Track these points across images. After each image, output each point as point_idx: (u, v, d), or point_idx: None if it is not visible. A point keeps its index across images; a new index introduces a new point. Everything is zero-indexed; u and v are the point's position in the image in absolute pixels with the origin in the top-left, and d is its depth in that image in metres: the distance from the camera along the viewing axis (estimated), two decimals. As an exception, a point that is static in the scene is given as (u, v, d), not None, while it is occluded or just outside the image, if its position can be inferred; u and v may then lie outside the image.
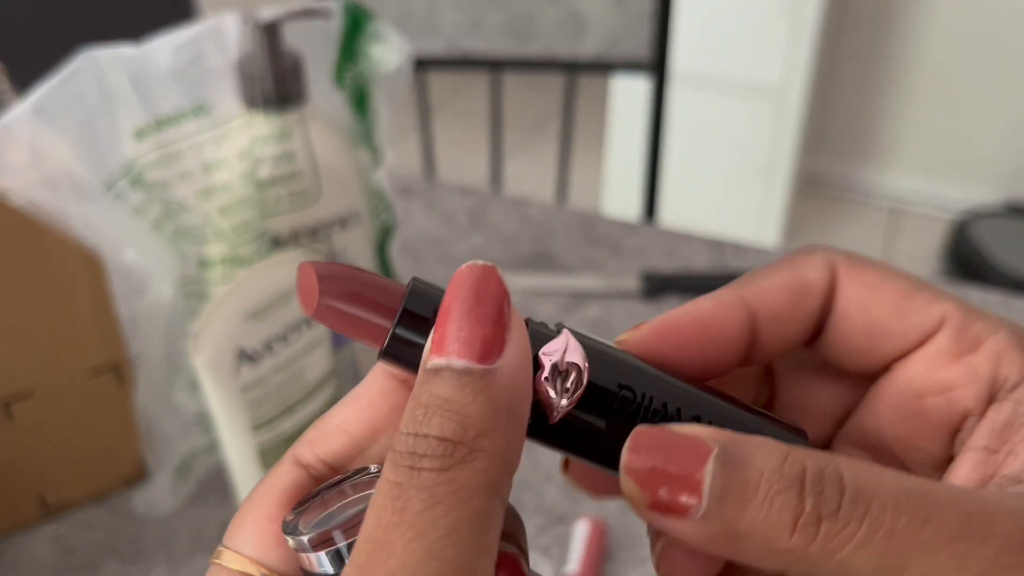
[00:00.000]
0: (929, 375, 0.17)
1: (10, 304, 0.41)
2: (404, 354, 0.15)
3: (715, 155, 1.79)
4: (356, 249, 0.46)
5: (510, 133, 2.24)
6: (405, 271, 0.64)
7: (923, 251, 1.90)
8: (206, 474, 0.47)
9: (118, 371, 0.45)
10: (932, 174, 2.01)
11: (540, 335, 0.16)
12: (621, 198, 1.89)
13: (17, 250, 0.41)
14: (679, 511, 0.14)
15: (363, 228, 0.46)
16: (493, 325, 0.14)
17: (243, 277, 0.39)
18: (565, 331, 0.16)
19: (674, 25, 0.90)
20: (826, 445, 0.19)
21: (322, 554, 0.15)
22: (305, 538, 0.15)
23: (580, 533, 0.45)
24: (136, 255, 0.41)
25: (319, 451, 0.17)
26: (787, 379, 0.19)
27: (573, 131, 1.00)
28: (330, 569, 0.15)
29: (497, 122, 0.99)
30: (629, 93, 1.76)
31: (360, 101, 0.46)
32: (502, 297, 0.15)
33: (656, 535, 0.17)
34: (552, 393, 0.15)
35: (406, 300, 0.15)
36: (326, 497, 0.16)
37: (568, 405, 0.16)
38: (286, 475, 0.17)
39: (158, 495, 0.46)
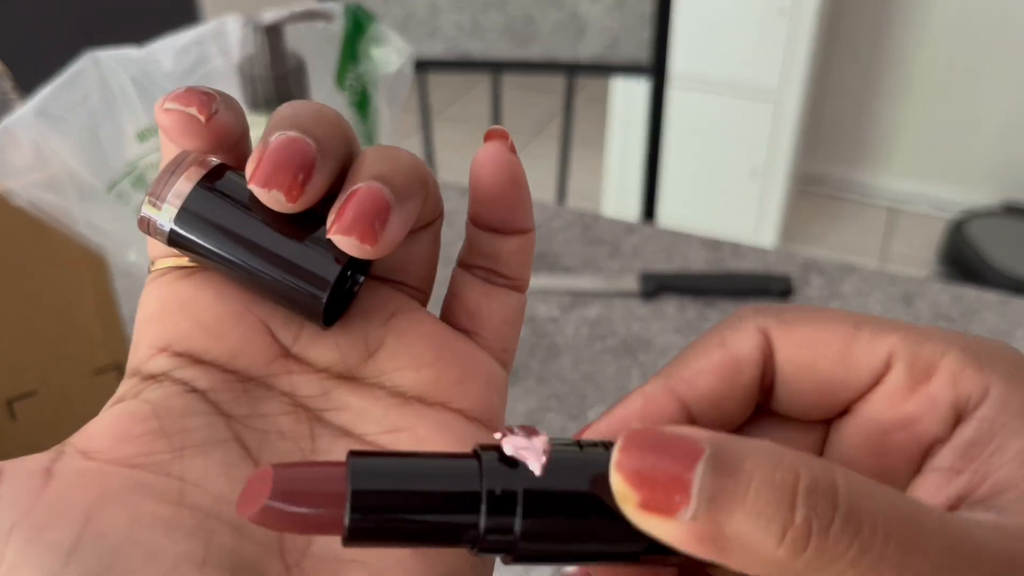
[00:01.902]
0: (890, 412, 0.16)
1: (14, 304, 0.42)
2: (367, 535, 0.15)
3: (713, 156, 1.80)
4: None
5: (510, 134, 2.25)
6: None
7: (920, 252, 1.91)
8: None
9: (121, 370, 0.46)
10: (928, 176, 2.02)
11: (495, 467, 0.15)
12: (620, 199, 1.89)
13: (21, 250, 0.41)
14: (668, 511, 0.13)
15: (364, 228, 0.47)
16: None
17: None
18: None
19: (673, 28, 0.90)
20: None
21: (151, 210, 0.17)
22: (144, 198, 0.18)
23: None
24: (139, 255, 0.41)
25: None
26: (750, 430, 0.19)
27: (573, 132, 1.00)
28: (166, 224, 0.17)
29: (497, 124, 0.99)
30: (629, 95, 1.76)
31: (362, 102, 0.46)
32: None
33: None
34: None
35: (352, 479, 0.15)
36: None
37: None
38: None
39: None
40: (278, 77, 0.41)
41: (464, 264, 0.20)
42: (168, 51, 0.40)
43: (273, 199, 0.16)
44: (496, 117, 0.99)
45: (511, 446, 0.15)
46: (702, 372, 0.17)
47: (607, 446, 0.16)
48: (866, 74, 1.97)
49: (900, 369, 0.16)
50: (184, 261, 0.18)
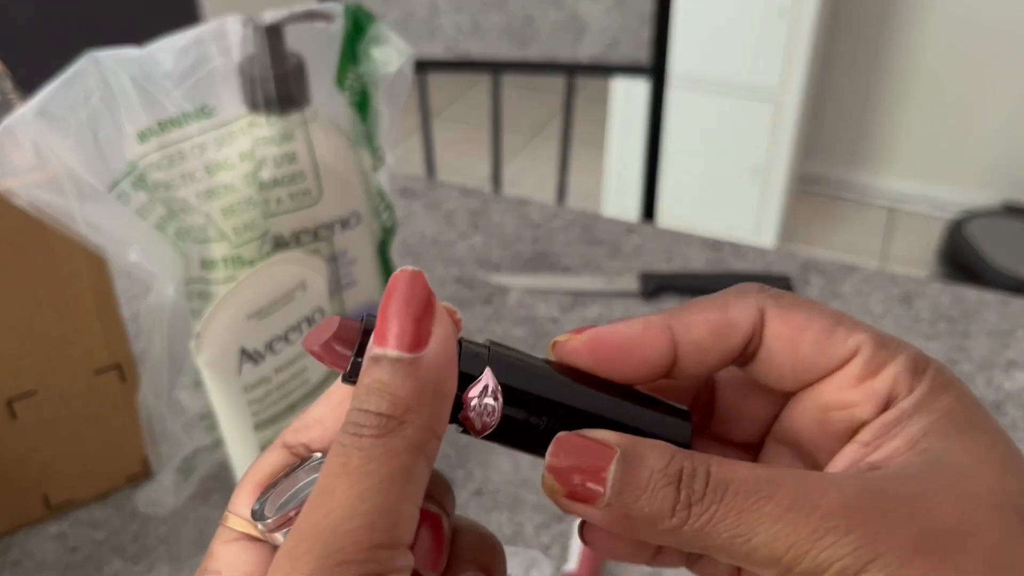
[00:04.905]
0: (837, 395, 0.20)
1: (15, 304, 0.42)
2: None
3: (713, 156, 1.80)
4: (357, 249, 0.47)
5: (510, 135, 2.25)
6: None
7: (919, 252, 1.91)
8: (209, 472, 0.48)
9: (121, 370, 0.46)
10: (928, 177, 2.02)
11: (469, 357, 0.19)
12: (620, 199, 1.89)
13: (22, 250, 0.41)
14: (589, 500, 0.18)
15: (364, 228, 0.47)
16: (419, 321, 0.18)
17: (245, 277, 0.39)
18: (487, 371, 0.19)
19: (673, 28, 0.90)
20: (759, 443, 0.23)
21: (279, 534, 0.19)
22: (270, 521, 0.19)
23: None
24: (139, 255, 0.41)
25: (302, 438, 0.20)
26: (725, 391, 0.23)
27: (573, 133, 1.00)
28: None
29: (497, 124, 0.99)
30: (629, 95, 1.76)
31: (362, 103, 0.46)
32: (427, 297, 0.18)
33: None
34: (475, 424, 0.19)
35: (362, 334, 0.19)
36: (283, 483, 0.20)
37: (485, 431, 0.19)
38: (275, 455, 0.21)
39: (161, 493, 0.46)
40: (278, 77, 0.41)
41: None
42: (168, 51, 0.40)
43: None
44: (496, 117, 0.99)
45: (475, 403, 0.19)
46: (699, 323, 0.20)
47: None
48: (866, 74, 1.97)
49: (859, 362, 0.20)
50: (255, 532, 0.20)
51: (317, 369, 0.44)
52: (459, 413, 0.19)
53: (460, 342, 0.19)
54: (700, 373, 0.21)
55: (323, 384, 0.45)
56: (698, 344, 0.20)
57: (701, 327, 0.20)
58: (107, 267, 0.44)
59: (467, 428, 0.19)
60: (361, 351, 0.19)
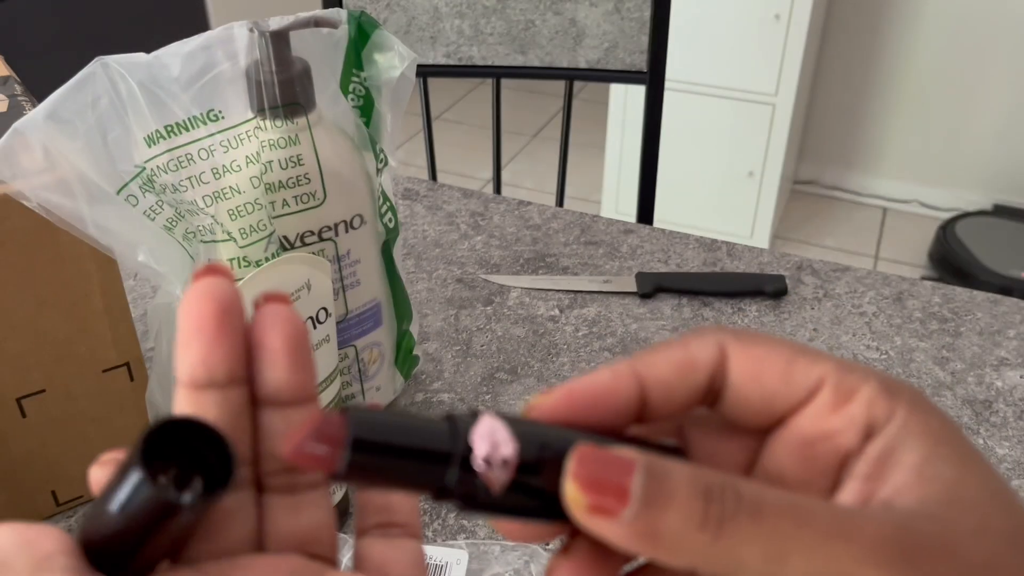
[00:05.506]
0: (815, 425, 0.20)
1: (25, 303, 0.42)
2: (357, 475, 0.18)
3: (709, 159, 1.81)
4: (361, 250, 0.47)
5: (510, 137, 2.25)
6: (408, 271, 0.65)
7: (912, 253, 1.92)
8: (214, 470, 0.48)
9: (130, 369, 0.47)
10: (920, 179, 2.03)
11: (466, 423, 0.18)
12: (618, 201, 1.90)
13: (32, 251, 0.42)
14: (611, 514, 0.17)
15: (368, 229, 0.47)
16: None
17: (251, 277, 0.40)
18: (485, 415, 0.18)
19: (670, 33, 0.91)
20: None
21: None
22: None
23: (579, 526, 0.46)
24: (147, 256, 0.42)
25: None
26: (698, 439, 0.22)
27: (572, 135, 1.01)
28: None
29: (498, 127, 1.00)
30: (627, 98, 1.77)
31: (365, 107, 0.47)
32: None
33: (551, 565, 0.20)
34: (491, 470, 0.18)
35: (353, 430, 0.17)
36: None
37: (507, 475, 0.18)
38: None
39: (168, 490, 0.47)
40: (284, 82, 0.42)
41: (361, 531, 0.22)
42: (176, 56, 0.41)
43: None
44: (496, 120, 1.00)
45: (481, 457, 0.18)
46: (663, 362, 0.20)
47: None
48: (859, 78, 1.98)
49: (828, 391, 0.20)
50: None
51: (322, 368, 0.45)
52: (458, 477, 0.18)
53: (450, 417, 0.18)
54: (671, 413, 0.21)
55: (327, 383, 0.45)
56: (664, 382, 0.20)
57: (665, 365, 0.20)
58: (116, 267, 0.45)
59: (470, 489, 0.18)
60: (355, 447, 0.17)
